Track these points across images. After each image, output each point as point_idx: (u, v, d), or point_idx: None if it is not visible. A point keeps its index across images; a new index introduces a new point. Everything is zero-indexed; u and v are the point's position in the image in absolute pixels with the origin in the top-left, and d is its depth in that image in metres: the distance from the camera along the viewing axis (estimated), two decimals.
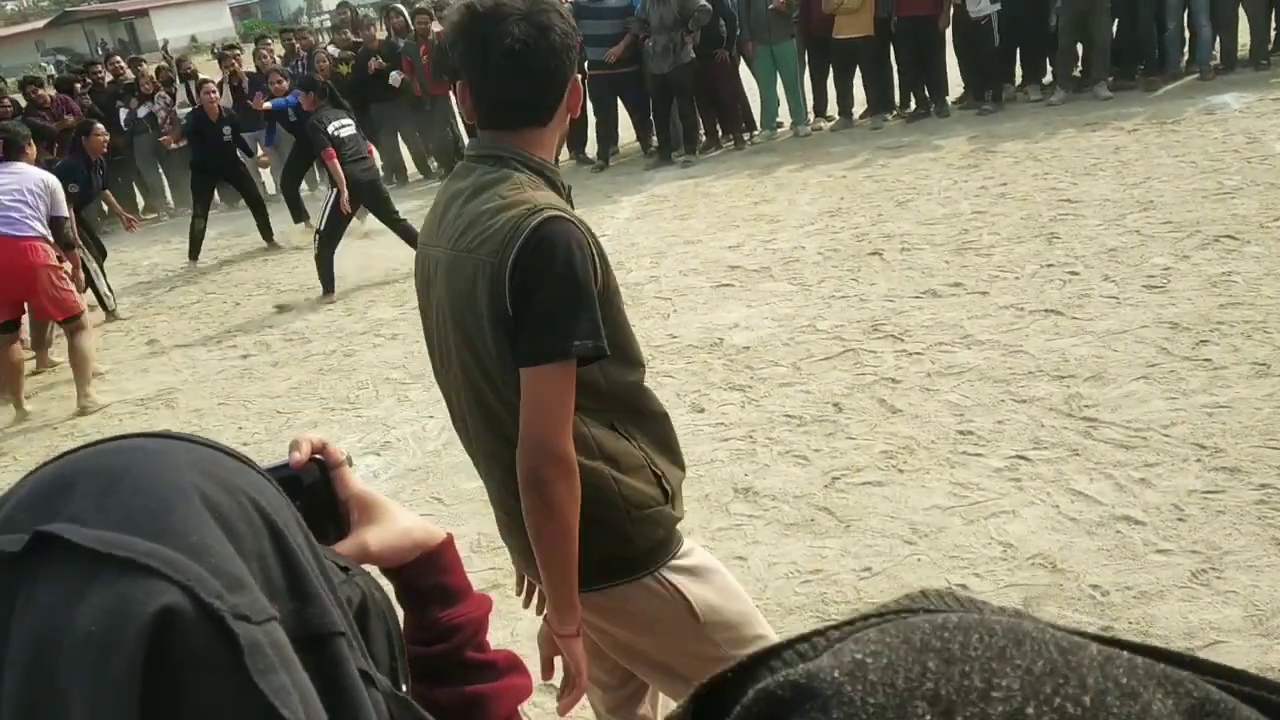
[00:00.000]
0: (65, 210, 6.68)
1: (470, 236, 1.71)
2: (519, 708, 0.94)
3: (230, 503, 0.57)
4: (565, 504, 1.65)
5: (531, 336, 1.65)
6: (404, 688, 0.74)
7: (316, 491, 0.92)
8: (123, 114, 12.89)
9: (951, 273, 5.88)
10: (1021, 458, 3.76)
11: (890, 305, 5.57)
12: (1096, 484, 3.49)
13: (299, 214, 10.52)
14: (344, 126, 8.02)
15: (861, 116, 10.45)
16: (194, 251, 10.14)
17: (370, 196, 8.16)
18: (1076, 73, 9.82)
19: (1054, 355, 4.55)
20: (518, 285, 1.65)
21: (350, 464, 0.96)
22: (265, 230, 10.37)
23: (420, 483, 4.49)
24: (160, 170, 13.66)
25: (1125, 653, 0.42)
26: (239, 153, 10.70)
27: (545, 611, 1.78)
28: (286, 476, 0.91)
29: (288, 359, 6.85)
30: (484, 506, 4.26)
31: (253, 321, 7.85)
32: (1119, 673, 0.40)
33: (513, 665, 0.96)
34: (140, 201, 13.79)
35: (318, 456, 0.92)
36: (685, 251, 7.41)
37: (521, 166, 1.75)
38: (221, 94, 11.08)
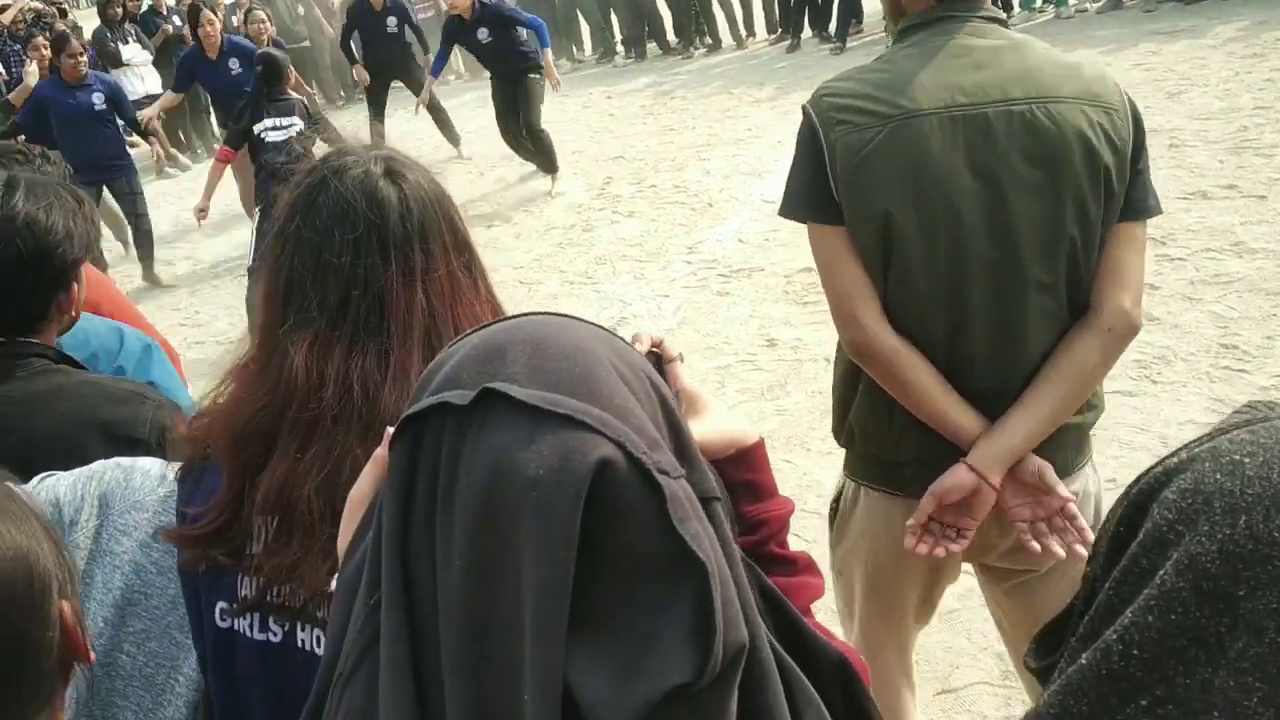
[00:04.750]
0: None
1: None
2: (810, 605, 0.99)
3: (633, 375, 0.63)
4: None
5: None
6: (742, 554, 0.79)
7: None
8: None
9: (1226, 173, 5.45)
10: None
11: None
12: None
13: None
14: None
15: None
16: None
17: None
18: None
19: None
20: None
21: (682, 360, 1.02)
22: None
23: None
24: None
25: None
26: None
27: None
28: None
29: (529, 231, 7.10)
30: (716, 387, 4.35)
31: (494, 193, 8.13)
32: None
33: (810, 565, 1.01)
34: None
35: (654, 350, 0.99)
36: None
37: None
38: None
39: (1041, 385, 1.63)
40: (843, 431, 1.82)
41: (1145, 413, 3.49)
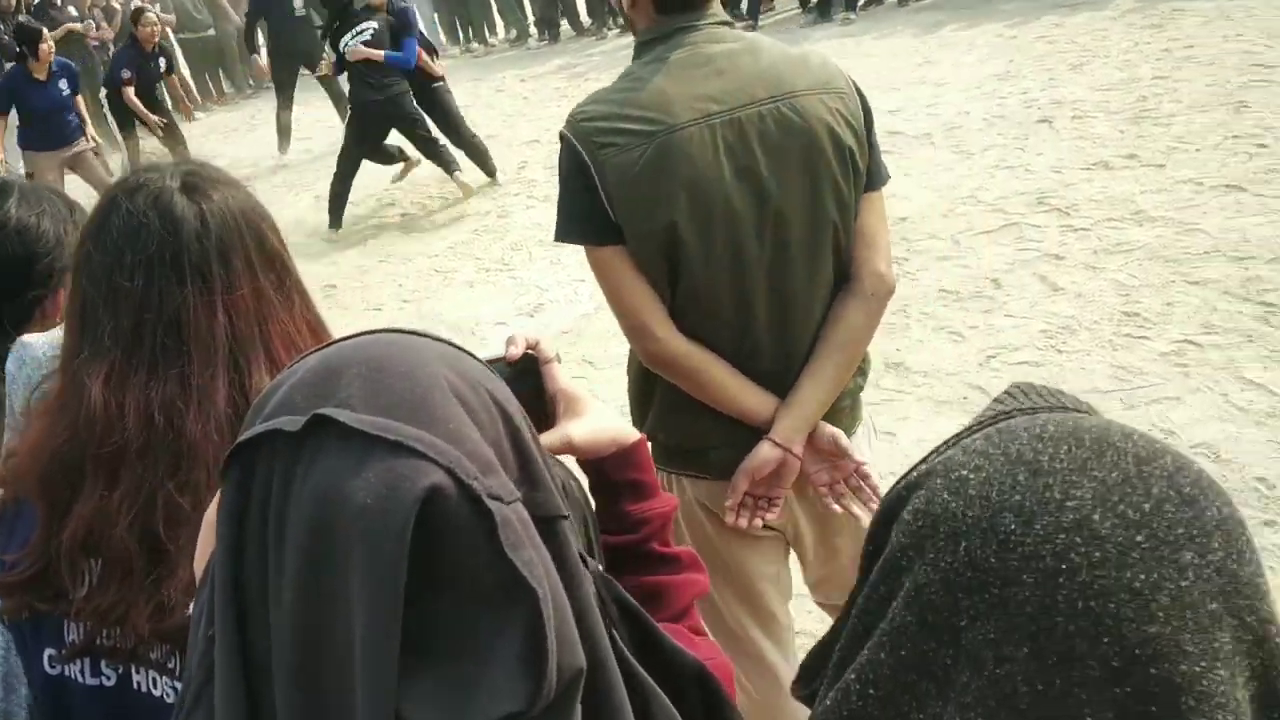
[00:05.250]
0: None
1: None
2: (694, 602, 0.99)
3: (474, 395, 0.62)
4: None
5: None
6: (600, 565, 0.79)
7: (527, 384, 0.98)
8: None
9: (1126, 143, 5.57)
10: (1190, 342, 3.62)
11: (1058, 177, 5.33)
12: (1270, 373, 3.34)
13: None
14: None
15: None
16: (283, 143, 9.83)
17: None
18: None
19: (1233, 234, 4.31)
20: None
21: (559, 360, 1.02)
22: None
23: (572, 345, 4.60)
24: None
25: (1198, 467, 0.49)
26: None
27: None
28: (501, 369, 0.96)
29: (444, 218, 7.02)
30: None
31: (407, 181, 8.02)
32: (1185, 482, 0.47)
33: (694, 561, 1.01)
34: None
35: (530, 351, 0.98)
36: None
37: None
38: None
39: (822, 356, 1.76)
40: (643, 428, 1.88)
41: (1051, 382, 3.54)
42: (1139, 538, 0.44)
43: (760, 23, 10.83)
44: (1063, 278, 4.29)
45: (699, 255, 1.67)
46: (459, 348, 0.67)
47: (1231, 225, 4.40)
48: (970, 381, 3.67)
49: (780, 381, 1.76)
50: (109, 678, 1.02)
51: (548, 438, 0.97)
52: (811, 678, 0.52)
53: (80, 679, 1.02)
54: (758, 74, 1.68)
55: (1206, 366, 3.46)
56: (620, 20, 12.27)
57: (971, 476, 0.47)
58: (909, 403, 3.62)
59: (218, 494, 0.79)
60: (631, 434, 1.04)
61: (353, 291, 6.07)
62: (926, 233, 5.00)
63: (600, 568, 0.78)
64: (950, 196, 5.38)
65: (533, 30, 13.29)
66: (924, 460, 0.53)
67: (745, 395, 1.74)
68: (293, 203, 8.22)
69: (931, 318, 4.18)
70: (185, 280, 1.00)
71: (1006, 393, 0.56)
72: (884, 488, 1.67)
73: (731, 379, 1.73)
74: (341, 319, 5.63)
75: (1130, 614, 0.42)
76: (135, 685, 1.01)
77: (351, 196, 7.30)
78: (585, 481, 1.04)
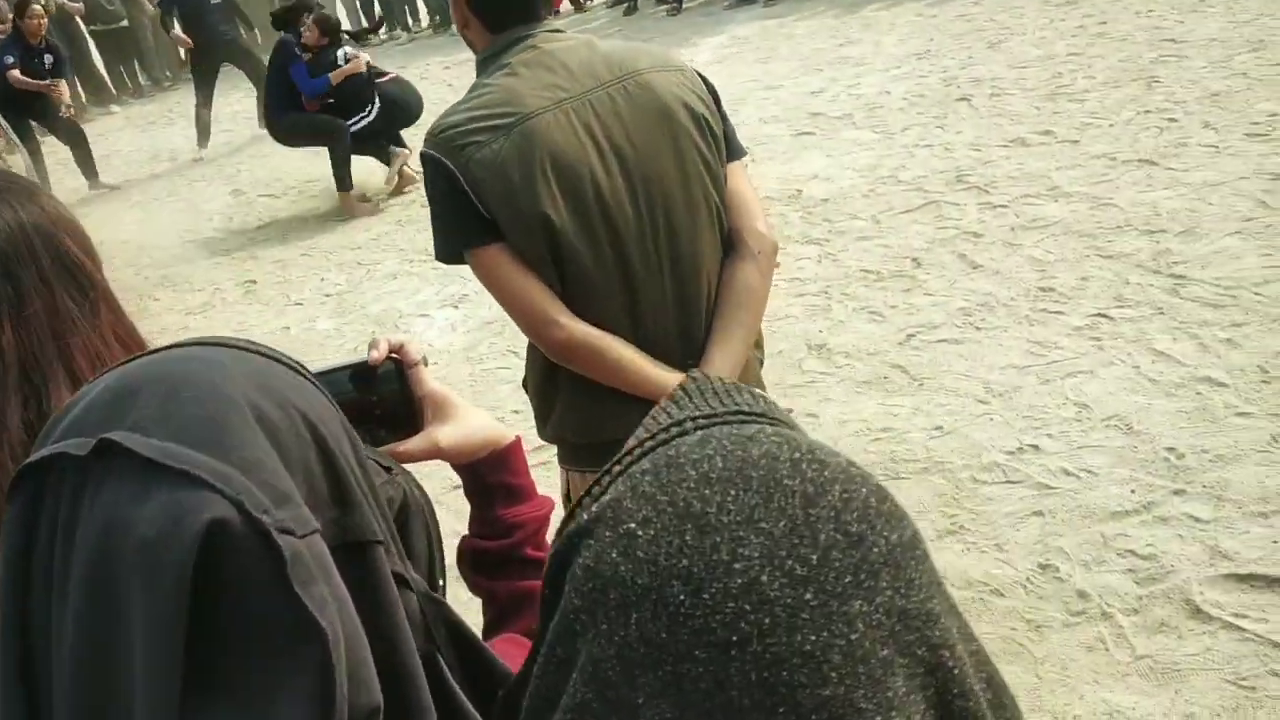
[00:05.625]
0: None
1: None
2: None
3: (281, 416, 0.59)
4: None
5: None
6: (440, 582, 0.77)
7: (393, 388, 0.96)
8: None
9: (1042, 119, 5.65)
10: (1103, 316, 3.68)
11: (976, 155, 5.39)
12: (1180, 344, 3.41)
13: None
14: None
15: None
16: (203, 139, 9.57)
17: None
18: None
19: (1145, 208, 4.39)
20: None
21: (426, 364, 0.99)
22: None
23: (497, 335, 4.56)
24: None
25: (866, 490, 0.46)
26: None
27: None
28: (364, 372, 0.95)
29: (368, 210, 6.91)
30: None
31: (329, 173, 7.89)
32: (851, 519, 0.44)
33: None
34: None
35: (394, 355, 0.96)
36: (765, 98, 7.22)
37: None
38: None
39: (725, 318, 1.78)
40: (548, 431, 1.87)
41: (970, 359, 3.60)
42: (808, 595, 0.42)
43: (685, 5, 10.81)
44: (981, 255, 4.33)
45: (578, 236, 1.67)
46: (276, 358, 0.63)
47: (1143, 199, 4.48)
48: (891, 361, 3.70)
49: (685, 355, 1.76)
50: None
51: (414, 442, 0.95)
52: (511, 716, 0.50)
53: None
54: (600, 59, 1.74)
55: (1119, 339, 3.52)
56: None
57: (640, 534, 0.44)
58: (831, 384, 3.64)
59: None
60: (505, 437, 1.02)
61: (273, 286, 5.96)
62: (848, 213, 5.02)
63: (441, 581, 0.76)
64: (871, 176, 5.41)
65: None
66: (597, 488, 0.50)
67: (655, 372, 1.73)
68: (212, 196, 8.05)
69: (852, 298, 4.20)
70: None
71: (681, 390, 0.53)
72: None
73: (638, 356, 1.73)
74: (261, 315, 5.55)
75: (804, 679, 0.40)
76: None
77: (272, 189, 7.17)
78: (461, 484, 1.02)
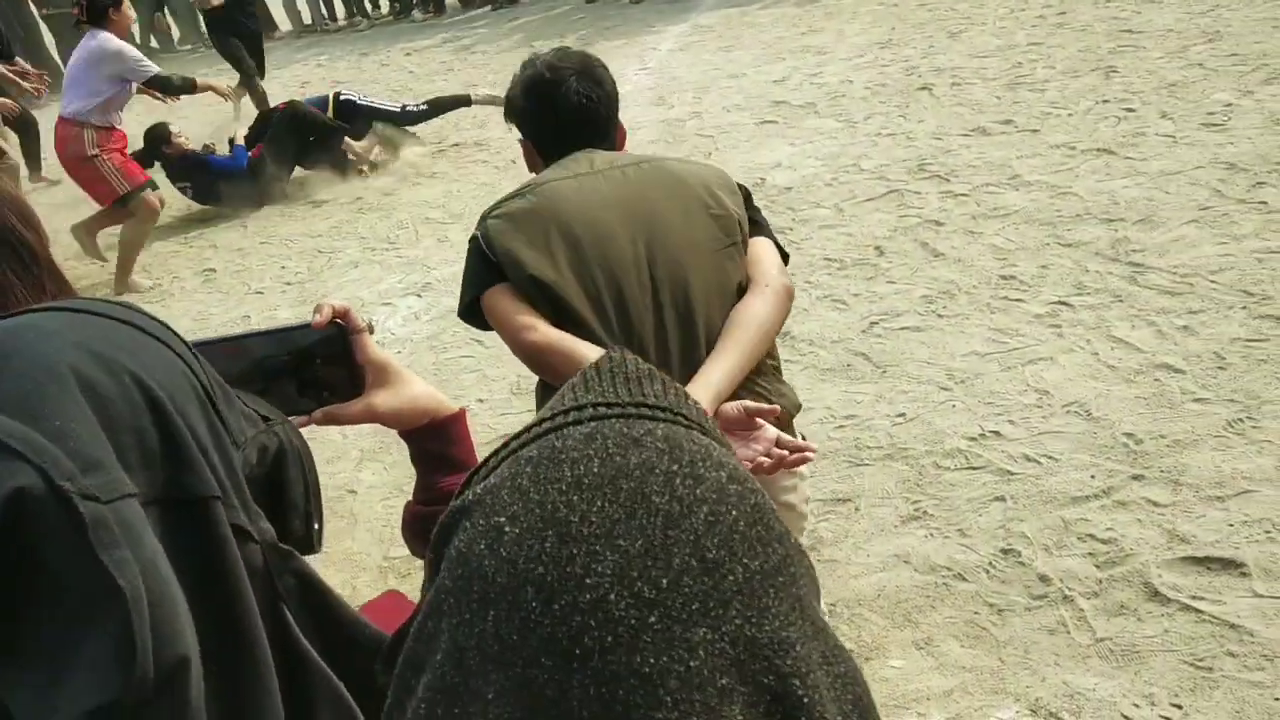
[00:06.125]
0: (147, 70, 5.95)
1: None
2: None
3: (110, 382, 0.62)
4: None
5: None
6: (316, 526, 0.79)
7: (334, 350, 1.00)
8: None
9: (1003, 109, 5.70)
10: (1063, 303, 3.72)
11: (938, 144, 5.42)
12: (1138, 331, 3.45)
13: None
14: None
15: None
16: None
17: None
18: None
19: (1103, 197, 4.44)
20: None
21: (371, 331, 1.03)
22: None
23: (460, 324, 4.53)
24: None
25: (737, 513, 0.46)
26: None
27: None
28: (307, 335, 0.98)
29: (328, 197, 6.85)
30: None
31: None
32: (711, 544, 0.45)
33: None
34: (175, 33, 13.59)
35: (338, 321, 1.00)
36: (729, 86, 7.22)
37: None
38: None
39: (725, 337, 1.88)
40: None
41: (932, 346, 3.63)
42: (652, 618, 0.42)
43: None
44: (943, 243, 4.36)
45: (579, 288, 1.84)
46: (124, 319, 0.66)
47: (1102, 188, 4.53)
48: (854, 349, 3.72)
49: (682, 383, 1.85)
50: None
51: (351, 406, 0.99)
52: (389, 666, 0.51)
53: None
54: (627, 157, 2.01)
55: (1079, 327, 3.56)
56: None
57: (507, 531, 0.45)
58: (794, 371, 3.65)
59: None
60: (447, 408, 1.05)
61: (232, 275, 5.89)
62: (811, 202, 5.04)
63: (317, 525, 0.78)
64: (834, 165, 5.43)
65: (415, 2, 13.03)
66: (488, 462, 0.51)
67: None
68: (167, 183, 7.93)
69: (816, 286, 4.22)
70: None
71: (595, 369, 0.54)
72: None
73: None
74: (222, 304, 5.49)
75: (639, 700, 0.41)
76: None
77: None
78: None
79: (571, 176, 1.93)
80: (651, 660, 0.42)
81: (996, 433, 3.08)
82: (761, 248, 1.99)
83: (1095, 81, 5.78)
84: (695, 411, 0.52)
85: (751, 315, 1.88)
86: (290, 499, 0.75)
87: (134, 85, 5.97)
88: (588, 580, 0.43)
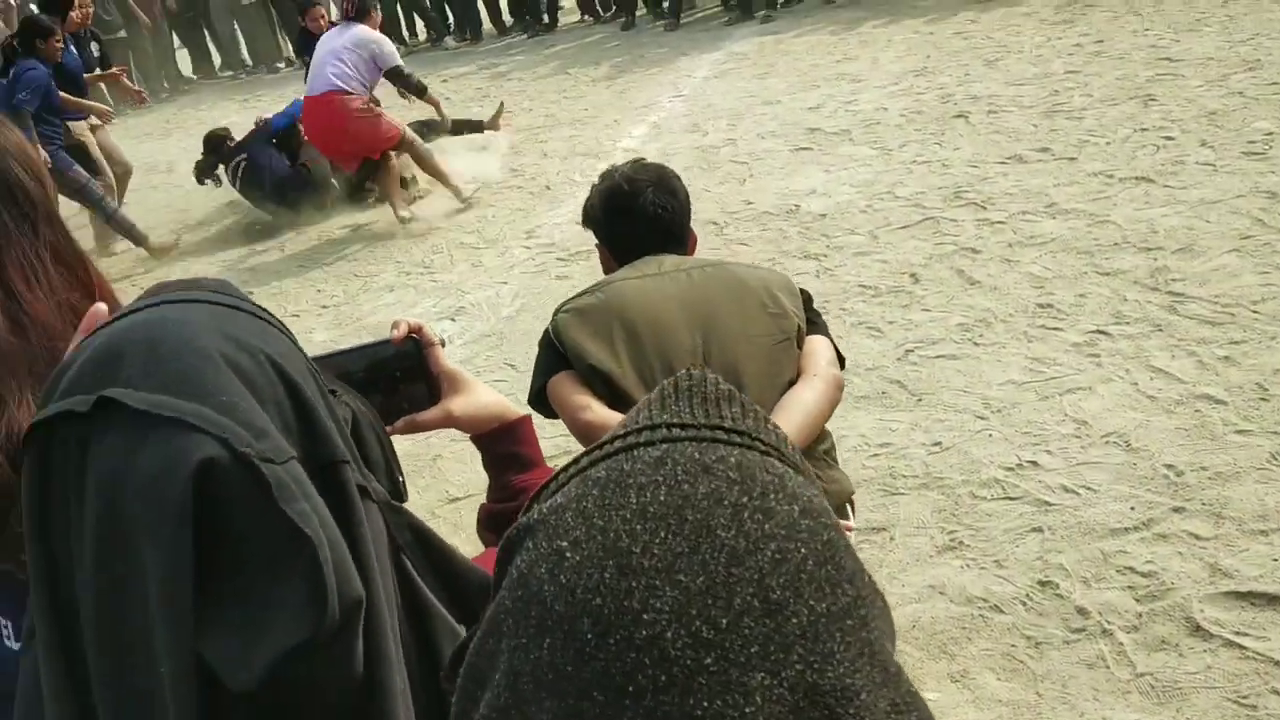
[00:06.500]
0: (396, 60, 6.71)
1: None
2: None
3: (248, 360, 0.67)
4: None
5: None
6: (400, 478, 0.85)
7: (413, 364, 1.09)
8: None
9: (1039, 137, 5.66)
10: (1101, 333, 3.67)
11: (974, 171, 5.40)
12: (1178, 361, 3.41)
13: None
14: None
15: None
16: None
17: None
18: None
19: (1142, 225, 4.40)
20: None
21: (444, 345, 1.13)
22: None
23: (494, 349, 4.55)
24: (235, 25, 13.62)
25: (806, 551, 0.44)
26: None
27: None
28: (386, 349, 1.08)
29: (364, 220, 6.91)
30: None
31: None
32: (776, 584, 0.43)
33: None
34: (216, 59, 13.80)
35: (414, 335, 1.08)
36: (763, 113, 7.23)
37: None
38: None
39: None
40: None
41: (968, 375, 3.60)
42: (708, 660, 0.41)
43: (682, 21, 10.84)
44: (979, 271, 4.33)
45: (636, 376, 1.96)
46: (239, 306, 0.71)
47: (1140, 216, 4.48)
48: (889, 376, 3.69)
49: None
50: None
51: (431, 412, 1.08)
52: (453, 672, 0.52)
53: None
54: (694, 261, 2.14)
55: (1117, 356, 3.52)
56: (544, 18, 12.22)
57: (569, 556, 0.44)
58: None
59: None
60: (514, 412, 1.15)
61: (269, 298, 5.94)
62: (846, 228, 5.02)
63: (400, 478, 0.84)
64: (869, 192, 5.42)
65: (451, 29, 13.16)
66: (557, 478, 0.50)
67: None
68: (206, 205, 8.04)
69: (850, 313, 4.20)
70: None
71: (673, 387, 0.53)
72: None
73: None
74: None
75: None
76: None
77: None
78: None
79: (639, 277, 2.07)
80: (705, 704, 0.40)
81: (1034, 463, 3.04)
82: (816, 343, 2.08)
83: (1133, 109, 5.74)
84: (775, 437, 0.51)
85: (798, 401, 1.97)
86: (370, 457, 0.81)
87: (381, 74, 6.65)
88: (645, 616, 0.42)
